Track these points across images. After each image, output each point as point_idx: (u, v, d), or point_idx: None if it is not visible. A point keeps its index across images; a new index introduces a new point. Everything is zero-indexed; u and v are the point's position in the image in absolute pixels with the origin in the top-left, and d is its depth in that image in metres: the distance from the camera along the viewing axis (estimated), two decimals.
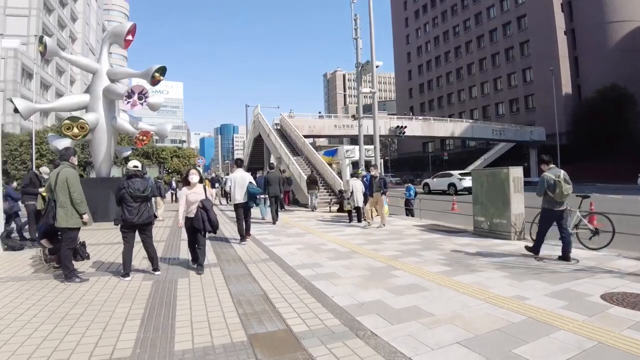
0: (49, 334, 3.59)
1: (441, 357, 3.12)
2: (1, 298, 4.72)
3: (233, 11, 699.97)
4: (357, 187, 11.93)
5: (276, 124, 30.35)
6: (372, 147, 16.88)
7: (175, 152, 37.98)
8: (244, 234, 8.69)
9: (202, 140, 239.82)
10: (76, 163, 5.84)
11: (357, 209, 12.06)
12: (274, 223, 11.77)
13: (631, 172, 31.93)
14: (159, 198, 13.56)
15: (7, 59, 34.53)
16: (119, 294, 4.85)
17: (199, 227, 5.84)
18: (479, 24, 60.43)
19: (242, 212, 8.70)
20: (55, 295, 4.81)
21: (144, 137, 13.50)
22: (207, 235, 6.19)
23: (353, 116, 21.67)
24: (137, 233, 5.69)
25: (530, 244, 6.93)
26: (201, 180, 6.20)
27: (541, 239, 6.66)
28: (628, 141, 40.21)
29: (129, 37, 13.75)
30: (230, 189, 9.04)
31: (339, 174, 21.11)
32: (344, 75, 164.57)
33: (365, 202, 11.62)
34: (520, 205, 8.46)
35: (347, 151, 22.45)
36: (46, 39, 12.54)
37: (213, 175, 43.50)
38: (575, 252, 6.49)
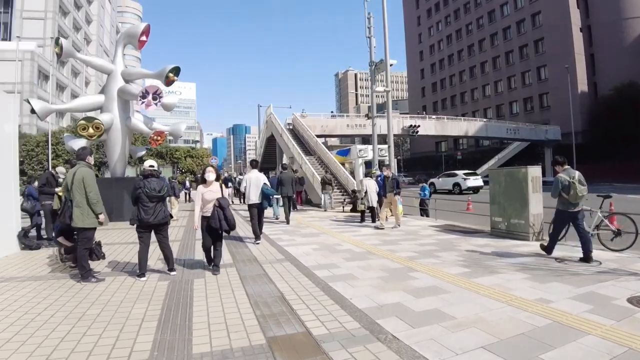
0: (66, 335, 3.57)
1: None
2: (19, 298, 4.74)
3: (245, 14, 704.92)
4: (371, 186, 11.85)
5: (289, 124, 30.29)
6: (385, 146, 16.75)
7: (188, 152, 38.40)
8: (259, 233, 8.73)
9: (214, 141, 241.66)
10: (92, 162, 5.85)
11: (371, 209, 11.97)
12: (287, 223, 11.75)
13: None
14: (173, 198, 13.61)
15: (24, 61, 35.17)
16: (135, 294, 4.83)
17: (216, 226, 5.73)
18: (492, 21, 59.55)
19: (257, 212, 8.78)
20: (72, 295, 4.81)
21: (158, 137, 13.57)
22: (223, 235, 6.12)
23: (367, 115, 21.51)
24: (152, 233, 5.67)
25: (547, 243, 6.86)
26: (218, 178, 6.11)
27: (555, 239, 6.67)
28: None
29: (143, 38, 13.86)
30: (245, 189, 9.11)
31: (352, 173, 20.98)
32: (355, 75, 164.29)
33: (379, 202, 11.52)
34: (539, 205, 8.29)
35: (360, 151, 22.35)
36: (62, 40, 12.70)
37: (226, 175, 43.79)
38: (597, 253, 6.31)
